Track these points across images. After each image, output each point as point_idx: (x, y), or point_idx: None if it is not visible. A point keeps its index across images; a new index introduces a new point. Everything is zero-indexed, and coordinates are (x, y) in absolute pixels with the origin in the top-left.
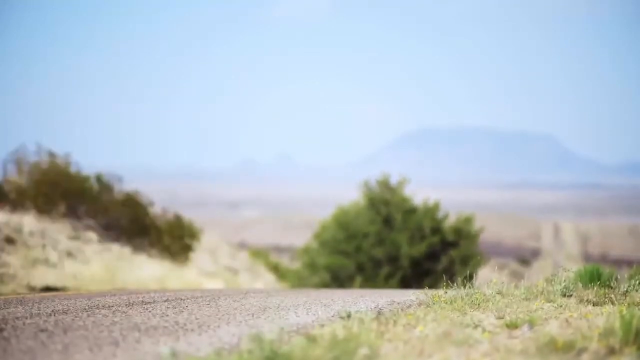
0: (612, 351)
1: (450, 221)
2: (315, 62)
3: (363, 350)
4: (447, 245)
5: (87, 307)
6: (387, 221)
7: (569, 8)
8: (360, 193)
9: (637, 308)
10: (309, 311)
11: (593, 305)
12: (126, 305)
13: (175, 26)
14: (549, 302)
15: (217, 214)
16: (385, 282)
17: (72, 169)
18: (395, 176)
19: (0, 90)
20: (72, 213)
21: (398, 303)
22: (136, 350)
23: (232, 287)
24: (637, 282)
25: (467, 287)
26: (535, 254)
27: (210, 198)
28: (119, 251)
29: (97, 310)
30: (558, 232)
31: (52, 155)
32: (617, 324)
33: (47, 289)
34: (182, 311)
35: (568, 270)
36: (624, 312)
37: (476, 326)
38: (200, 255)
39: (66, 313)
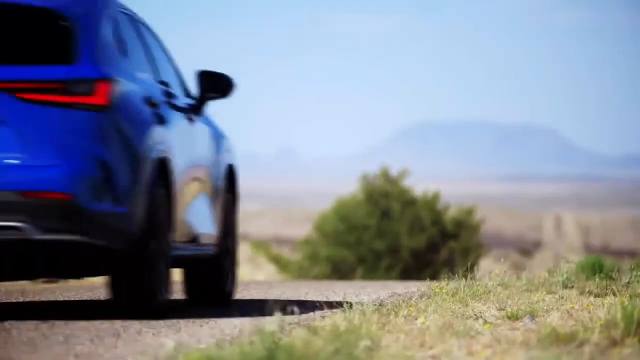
0: (613, 343)
1: (451, 212)
2: (317, 56)
3: (364, 342)
4: (447, 236)
5: (88, 298)
6: (386, 213)
7: (571, 1)
8: (359, 186)
9: (639, 299)
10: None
11: (595, 296)
12: None
13: (180, 23)
14: (551, 293)
15: None
16: (386, 274)
17: None
18: (396, 169)
19: None
20: None
21: (399, 294)
22: (137, 341)
23: None
24: (639, 273)
25: (468, 278)
26: (537, 245)
27: None
28: None
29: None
30: (559, 223)
31: None
32: (618, 316)
33: (49, 280)
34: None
35: (569, 262)
36: (626, 303)
37: (477, 318)
38: None
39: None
